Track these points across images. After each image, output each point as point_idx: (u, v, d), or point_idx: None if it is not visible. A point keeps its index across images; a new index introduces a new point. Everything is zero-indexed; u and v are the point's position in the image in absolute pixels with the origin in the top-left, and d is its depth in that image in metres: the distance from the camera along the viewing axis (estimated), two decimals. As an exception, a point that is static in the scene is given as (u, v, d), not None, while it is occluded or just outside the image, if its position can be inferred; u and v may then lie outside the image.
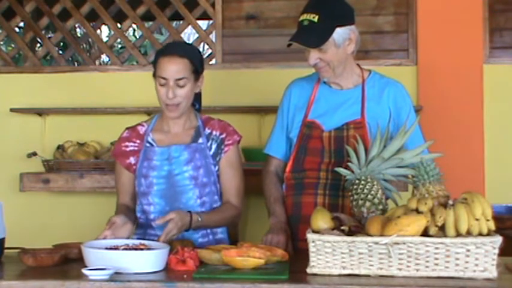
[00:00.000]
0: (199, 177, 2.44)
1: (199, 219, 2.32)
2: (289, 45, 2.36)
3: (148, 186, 2.45)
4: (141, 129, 2.53)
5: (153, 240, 2.24)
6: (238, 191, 2.51)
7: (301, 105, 2.51)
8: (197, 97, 2.55)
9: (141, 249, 2.03)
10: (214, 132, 2.50)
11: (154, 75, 2.44)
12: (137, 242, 2.13)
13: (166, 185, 2.44)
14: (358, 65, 2.52)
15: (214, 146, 2.49)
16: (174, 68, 2.37)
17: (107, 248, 2.02)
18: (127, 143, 2.52)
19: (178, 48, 2.45)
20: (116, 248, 2.03)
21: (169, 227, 2.19)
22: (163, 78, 2.38)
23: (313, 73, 2.55)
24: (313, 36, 2.30)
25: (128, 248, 2.04)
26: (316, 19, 2.29)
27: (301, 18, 2.34)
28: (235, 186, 2.50)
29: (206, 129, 2.51)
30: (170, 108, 2.41)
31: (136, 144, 2.51)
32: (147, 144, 2.49)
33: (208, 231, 2.47)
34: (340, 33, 2.32)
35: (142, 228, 2.48)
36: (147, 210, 2.45)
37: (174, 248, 2.07)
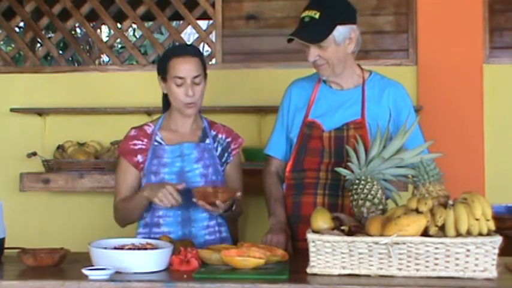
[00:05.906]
0: (208, 175, 2.49)
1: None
2: (289, 41, 2.36)
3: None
4: (148, 129, 2.56)
5: (158, 239, 2.24)
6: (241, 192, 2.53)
7: (302, 106, 2.51)
8: None
9: (147, 248, 2.03)
10: (220, 135, 2.57)
11: (163, 78, 2.48)
12: (143, 241, 2.13)
13: (177, 181, 2.45)
14: (358, 65, 2.52)
15: (219, 149, 2.56)
16: (190, 66, 2.44)
17: (110, 248, 2.01)
18: (135, 141, 2.53)
19: (188, 49, 2.54)
20: (121, 248, 2.03)
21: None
22: (180, 78, 2.42)
23: (313, 73, 2.55)
24: (314, 32, 2.31)
25: (134, 247, 2.04)
26: (317, 16, 2.30)
27: (303, 15, 2.35)
28: (240, 188, 2.53)
29: (212, 131, 2.57)
30: (190, 105, 2.45)
31: (144, 143, 2.53)
32: (156, 143, 2.52)
33: (216, 228, 2.50)
34: (340, 31, 2.32)
35: (148, 227, 2.49)
36: (156, 207, 2.45)
37: (176, 249, 2.07)
